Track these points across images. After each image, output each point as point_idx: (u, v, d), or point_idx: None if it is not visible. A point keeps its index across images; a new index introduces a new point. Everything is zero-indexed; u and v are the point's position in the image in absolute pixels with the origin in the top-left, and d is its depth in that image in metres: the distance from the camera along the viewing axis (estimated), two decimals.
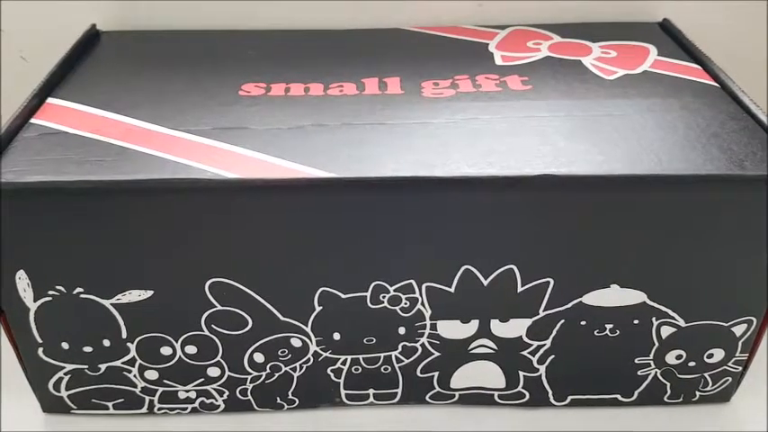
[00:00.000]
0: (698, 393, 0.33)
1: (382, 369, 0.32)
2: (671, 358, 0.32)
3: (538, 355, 0.32)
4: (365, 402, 0.34)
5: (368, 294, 0.30)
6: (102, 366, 0.32)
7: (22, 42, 0.41)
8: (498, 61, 0.36)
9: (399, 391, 0.33)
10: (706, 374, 0.33)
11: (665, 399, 0.33)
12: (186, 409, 0.33)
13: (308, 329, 0.31)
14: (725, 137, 0.29)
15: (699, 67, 0.35)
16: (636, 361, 0.32)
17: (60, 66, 0.34)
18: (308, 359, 0.32)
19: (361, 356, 0.32)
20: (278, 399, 0.33)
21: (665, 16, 0.40)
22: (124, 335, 0.30)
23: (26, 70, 0.42)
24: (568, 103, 0.32)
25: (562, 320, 0.31)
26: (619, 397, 0.33)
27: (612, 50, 0.37)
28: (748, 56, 0.41)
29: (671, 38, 0.38)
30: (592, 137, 0.29)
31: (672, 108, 0.31)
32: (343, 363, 0.32)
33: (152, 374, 0.32)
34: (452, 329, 0.31)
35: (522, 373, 0.33)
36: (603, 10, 0.41)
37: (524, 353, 0.32)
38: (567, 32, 0.39)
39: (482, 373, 0.32)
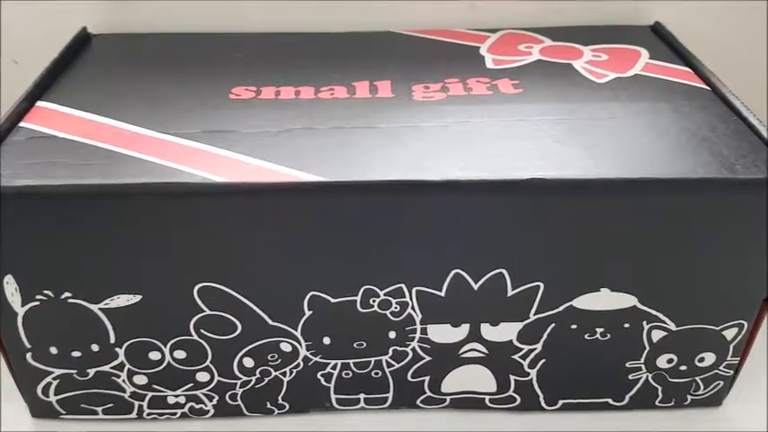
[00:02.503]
0: (689, 397, 0.33)
1: (373, 374, 0.32)
2: (662, 362, 0.32)
3: (529, 359, 0.32)
4: (356, 407, 0.33)
5: (358, 298, 0.30)
6: (91, 371, 0.31)
7: (14, 45, 0.41)
8: (489, 65, 0.36)
9: (390, 395, 0.33)
10: (697, 378, 0.33)
11: (657, 403, 0.33)
12: (176, 414, 0.33)
13: (298, 334, 0.31)
14: (716, 140, 0.29)
15: (690, 70, 0.35)
16: (627, 365, 0.32)
17: (50, 69, 0.34)
18: (298, 364, 0.32)
19: (351, 361, 0.32)
20: (268, 404, 0.33)
21: (656, 19, 0.40)
22: (113, 340, 0.30)
23: (16, 73, 0.41)
24: (559, 106, 0.32)
25: (553, 324, 0.30)
26: (610, 401, 0.33)
27: (604, 54, 0.37)
28: (739, 59, 0.41)
29: (662, 41, 0.38)
30: (582, 140, 0.29)
31: (663, 111, 0.31)
32: (334, 367, 0.32)
33: (141, 379, 0.32)
34: (443, 334, 0.31)
35: (512, 377, 0.32)
36: (595, 13, 0.41)
37: (515, 357, 0.32)
38: (559, 36, 0.39)
39: (473, 378, 0.32)
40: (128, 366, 0.31)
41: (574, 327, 0.31)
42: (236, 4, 0.40)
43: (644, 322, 0.30)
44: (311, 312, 0.30)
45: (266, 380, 0.32)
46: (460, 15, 0.41)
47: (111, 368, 0.31)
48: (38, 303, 0.29)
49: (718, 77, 0.34)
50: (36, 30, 0.40)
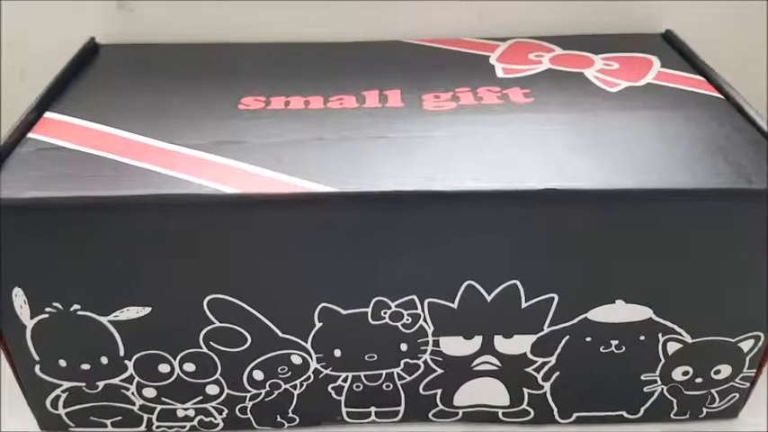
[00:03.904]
0: (705, 410, 0.33)
1: (384, 386, 0.32)
2: (677, 374, 0.31)
3: (542, 372, 0.31)
4: (367, 420, 0.33)
5: (369, 310, 0.29)
6: (100, 384, 0.31)
7: (22, 56, 0.41)
8: (500, 74, 0.36)
9: (401, 408, 0.33)
10: (713, 391, 0.32)
11: (672, 415, 0.33)
12: (185, 427, 0.33)
13: (308, 346, 0.30)
14: (730, 149, 0.29)
15: (703, 78, 0.35)
16: (642, 377, 0.32)
17: (58, 79, 0.34)
18: (309, 376, 0.31)
19: (362, 373, 0.31)
20: (278, 417, 0.33)
21: (667, 27, 0.40)
22: (122, 352, 0.30)
23: (24, 84, 0.41)
24: (571, 115, 0.32)
25: (567, 337, 0.30)
26: (625, 414, 0.33)
27: (615, 62, 0.36)
28: (753, 67, 0.41)
29: (674, 49, 0.38)
30: (595, 150, 0.29)
31: (676, 120, 0.31)
32: (344, 380, 0.32)
33: (150, 392, 0.31)
34: (455, 346, 0.31)
35: (526, 391, 0.32)
36: (605, 22, 0.40)
37: (529, 370, 0.31)
38: (569, 44, 0.39)
39: (486, 391, 0.32)
40: (137, 379, 0.31)
41: (588, 339, 0.30)
42: (244, 14, 0.40)
43: (659, 334, 0.30)
44: (322, 324, 0.30)
45: (276, 393, 0.32)
46: (469, 25, 0.41)
47: (120, 381, 0.31)
48: (47, 316, 0.29)
49: (731, 86, 0.33)
50: (44, 40, 0.40)
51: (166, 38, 0.40)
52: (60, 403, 0.32)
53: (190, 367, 0.31)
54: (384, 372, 0.31)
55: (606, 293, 0.29)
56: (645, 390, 0.32)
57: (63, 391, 0.31)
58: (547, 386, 0.32)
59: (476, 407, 0.33)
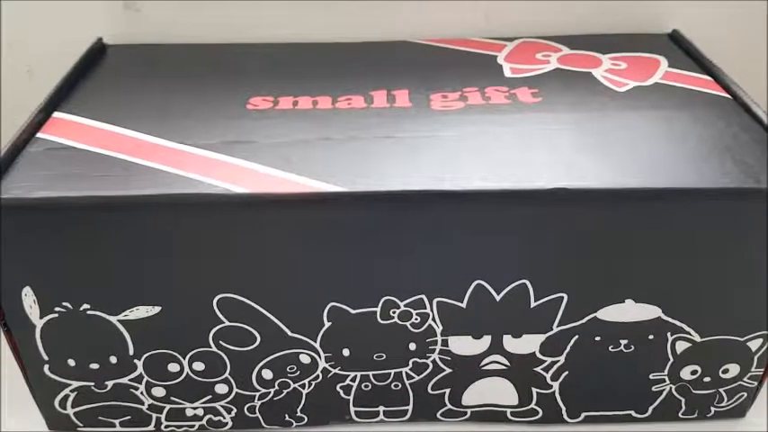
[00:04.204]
0: (713, 409, 0.33)
1: (392, 386, 0.32)
2: (686, 374, 0.31)
3: (551, 372, 0.31)
4: (375, 420, 0.33)
5: (378, 310, 0.29)
6: (109, 383, 0.31)
7: (29, 56, 0.41)
8: (507, 73, 0.36)
9: (410, 408, 0.33)
10: (721, 390, 0.32)
11: (680, 415, 0.33)
12: (194, 426, 0.33)
13: (317, 345, 0.30)
14: (738, 149, 0.29)
15: (710, 78, 0.35)
16: (650, 377, 0.32)
17: (66, 80, 0.34)
18: (317, 376, 0.31)
19: (370, 373, 0.31)
20: (286, 416, 0.33)
21: (674, 27, 0.40)
22: (131, 351, 0.30)
23: (32, 84, 0.41)
24: (579, 115, 0.32)
25: (576, 336, 0.30)
26: (633, 413, 0.33)
27: (623, 62, 0.36)
28: (760, 66, 0.41)
29: (681, 49, 0.38)
30: (603, 150, 0.29)
31: (684, 120, 0.31)
32: (353, 379, 0.32)
33: (159, 391, 0.31)
34: (464, 345, 0.31)
35: (535, 390, 0.32)
36: (612, 22, 0.40)
37: (537, 369, 0.31)
38: (577, 44, 0.39)
39: (494, 390, 0.32)
40: (146, 378, 0.31)
41: (597, 338, 0.30)
42: (251, 14, 0.40)
43: (668, 333, 0.30)
44: (330, 324, 0.30)
45: (285, 392, 0.32)
46: (476, 25, 0.41)
47: (129, 380, 0.31)
48: (56, 315, 0.29)
49: (738, 85, 0.33)
50: (51, 41, 0.40)
51: (173, 38, 0.40)
52: (69, 403, 0.32)
53: (199, 366, 0.31)
54: (392, 371, 0.31)
55: (615, 293, 0.29)
56: (653, 389, 0.32)
57: (72, 391, 0.31)
58: (555, 386, 0.32)
59: (484, 406, 0.33)
